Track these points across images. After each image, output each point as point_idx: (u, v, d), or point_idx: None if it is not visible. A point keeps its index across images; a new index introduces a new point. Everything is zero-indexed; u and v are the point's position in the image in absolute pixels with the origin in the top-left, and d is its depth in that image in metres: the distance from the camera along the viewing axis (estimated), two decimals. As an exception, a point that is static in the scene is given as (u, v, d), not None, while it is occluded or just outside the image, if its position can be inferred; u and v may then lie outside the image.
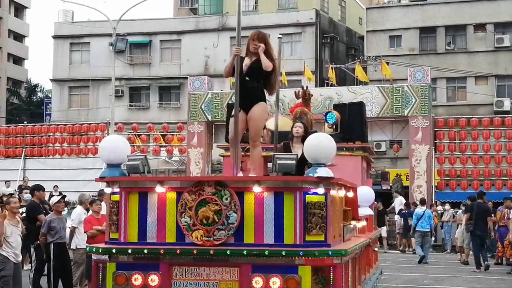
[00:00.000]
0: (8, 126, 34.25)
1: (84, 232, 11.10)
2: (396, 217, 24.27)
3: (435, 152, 27.43)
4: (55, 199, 11.16)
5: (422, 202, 20.87)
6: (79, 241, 11.67)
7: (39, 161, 31.43)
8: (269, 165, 9.98)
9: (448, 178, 27.42)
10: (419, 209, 20.06)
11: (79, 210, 12.28)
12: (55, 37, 43.39)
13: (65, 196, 11.85)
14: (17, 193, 16.48)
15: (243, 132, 7.77)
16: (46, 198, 16.08)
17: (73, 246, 11.73)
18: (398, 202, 25.09)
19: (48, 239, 10.36)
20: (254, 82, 7.41)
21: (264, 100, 7.53)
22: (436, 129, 27.61)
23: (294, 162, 6.58)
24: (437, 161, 27.45)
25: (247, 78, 7.36)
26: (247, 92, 7.35)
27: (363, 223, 10.07)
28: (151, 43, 41.31)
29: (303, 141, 8.15)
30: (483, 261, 16.99)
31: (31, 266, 11.39)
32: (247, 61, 7.45)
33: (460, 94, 37.54)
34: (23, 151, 31.53)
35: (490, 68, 36.67)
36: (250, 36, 7.53)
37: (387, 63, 31.73)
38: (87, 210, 12.07)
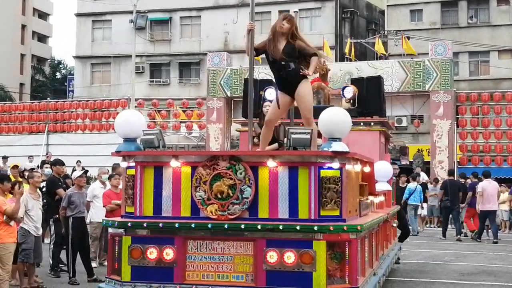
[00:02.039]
0: (32, 103, 34.61)
1: (104, 206, 11.26)
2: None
3: (457, 127, 27.10)
4: (77, 173, 11.27)
5: (414, 178, 21.73)
6: (93, 214, 11.91)
7: (62, 136, 31.72)
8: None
9: (471, 154, 27.07)
10: (412, 185, 20.77)
11: (94, 185, 12.47)
12: (78, 14, 43.61)
13: (87, 171, 11.95)
14: (39, 167, 16.63)
15: (282, 115, 7.74)
16: (70, 173, 16.27)
17: (87, 220, 11.89)
18: (420, 178, 24.89)
19: (67, 213, 10.51)
20: (291, 64, 7.28)
21: (305, 77, 7.34)
22: (458, 104, 27.24)
23: (309, 136, 6.53)
24: (459, 136, 27.11)
25: (283, 63, 7.26)
26: (287, 75, 7.29)
27: (380, 198, 10.02)
28: (171, 19, 41.31)
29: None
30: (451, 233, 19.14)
31: (51, 239, 11.55)
32: (279, 45, 7.28)
33: (483, 68, 37.02)
34: (46, 127, 31.86)
35: (514, 42, 36.12)
36: (281, 16, 7.40)
37: (408, 38, 31.31)
38: (103, 184, 12.26)
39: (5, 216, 8.53)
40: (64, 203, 10.54)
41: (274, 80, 7.79)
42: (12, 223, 8.66)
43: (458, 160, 27.07)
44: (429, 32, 36.56)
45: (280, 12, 36.74)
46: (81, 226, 10.64)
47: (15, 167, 13.74)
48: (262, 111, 8.50)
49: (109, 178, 11.86)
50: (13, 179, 10.68)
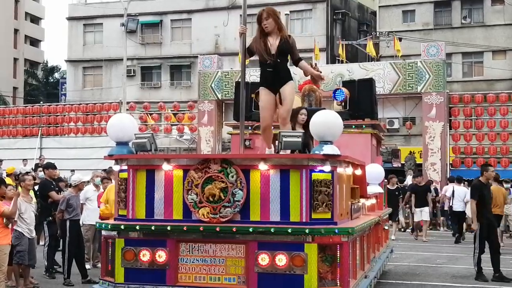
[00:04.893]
0: (26, 106, 34.63)
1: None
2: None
3: (450, 129, 27.08)
4: (75, 177, 11.34)
5: None
6: (85, 217, 11.98)
7: (55, 140, 31.75)
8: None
9: (464, 156, 26.96)
10: None
11: (87, 187, 12.54)
12: (70, 18, 43.65)
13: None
14: (33, 171, 16.74)
15: (275, 113, 7.69)
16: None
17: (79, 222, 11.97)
18: (411, 180, 24.88)
19: (65, 216, 10.61)
20: (283, 64, 7.34)
21: (292, 79, 7.49)
22: (451, 106, 27.18)
23: (300, 139, 6.57)
24: (452, 138, 27.03)
25: (278, 60, 7.29)
26: (277, 74, 7.33)
27: (372, 201, 10.06)
28: (162, 22, 41.36)
29: (304, 127, 8.19)
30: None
31: (45, 241, 11.61)
32: (272, 41, 7.31)
33: (477, 69, 36.91)
34: (40, 130, 31.88)
35: (508, 42, 35.95)
36: (259, 15, 7.34)
37: (400, 39, 31.28)
38: (96, 187, 12.34)
39: (5, 219, 8.62)
40: (63, 206, 10.66)
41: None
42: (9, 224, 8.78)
43: (451, 162, 27.06)
44: (422, 33, 36.52)
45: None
46: (77, 229, 10.76)
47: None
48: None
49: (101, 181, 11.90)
50: (9, 182, 10.86)
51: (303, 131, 7.42)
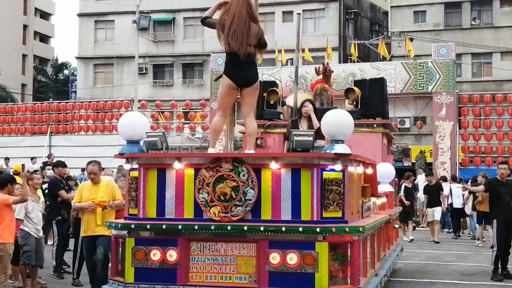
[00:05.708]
0: (34, 104, 34.63)
1: None
2: (419, 194, 23.91)
3: (459, 128, 27.15)
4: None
5: None
6: None
7: (65, 138, 31.74)
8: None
9: (473, 155, 27.07)
10: None
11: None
12: (80, 15, 43.68)
13: None
14: (41, 169, 16.72)
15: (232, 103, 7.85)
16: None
17: None
18: (422, 179, 24.82)
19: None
20: (252, 50, 7.17)
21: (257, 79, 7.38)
22: (460, 105, 27.26)
23: (311, 138, 6.57)
24: (461, 137, 27.13)
25: (249, 47, 7.14)
26: (245, 61, 7.26)
27: (382, 199, 10.05)
28: (175, 20, 41.37)
29: (309, 119, 8.19)
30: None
31: (54, 241, 11.57)
32: (243, 27, 7.18)
33: (486, 70, 37.07)
34: (49, 128, 31.89)
35: (517, 44, 36.15)
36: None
37: (411, 39, 31.33)
38: None
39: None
40: None
41: (276, 80, 7.79)
42: (13, 222, 8.58)
43: (460, 161, 27.08)
44: (432, 34, 36.65)
45: (283, 13, 36.88)
46: None
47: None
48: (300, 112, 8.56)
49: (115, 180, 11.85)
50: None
51: (313, 130, 7.40)
